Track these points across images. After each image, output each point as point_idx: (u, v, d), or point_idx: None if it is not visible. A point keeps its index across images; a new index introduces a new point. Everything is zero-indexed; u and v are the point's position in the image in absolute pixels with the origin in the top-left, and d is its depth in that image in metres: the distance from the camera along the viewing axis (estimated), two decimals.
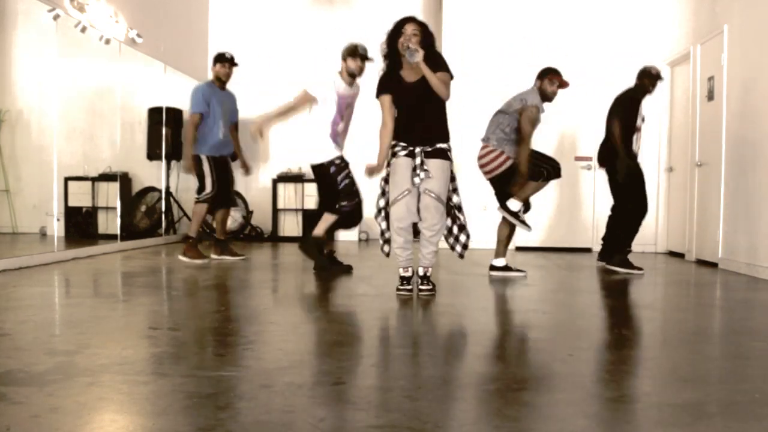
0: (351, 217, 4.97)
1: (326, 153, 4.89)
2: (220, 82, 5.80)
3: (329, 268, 5.00)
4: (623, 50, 7.39)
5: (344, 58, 4.89)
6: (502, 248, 5.15)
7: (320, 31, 8.68)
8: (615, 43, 7.47)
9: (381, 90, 4.00)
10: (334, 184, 4.88)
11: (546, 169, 4.93)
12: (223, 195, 5.80)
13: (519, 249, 7.54)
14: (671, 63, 7.42)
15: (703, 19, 6.66)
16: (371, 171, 4.05)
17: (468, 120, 6.98)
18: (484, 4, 7.73)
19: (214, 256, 5.84)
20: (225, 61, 5.80)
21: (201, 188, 5.64)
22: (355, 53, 4.85)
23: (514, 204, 4.99)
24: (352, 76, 4.92)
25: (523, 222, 5.03)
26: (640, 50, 7.46)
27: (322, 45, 8.60)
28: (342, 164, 4.91)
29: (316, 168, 4.97)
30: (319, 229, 4.93)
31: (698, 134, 6.56)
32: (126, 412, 1.86)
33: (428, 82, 3.81)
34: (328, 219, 4.93)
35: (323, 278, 4.77)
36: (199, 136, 5.61)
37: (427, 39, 3.92)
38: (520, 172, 4.86)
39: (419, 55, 3.76)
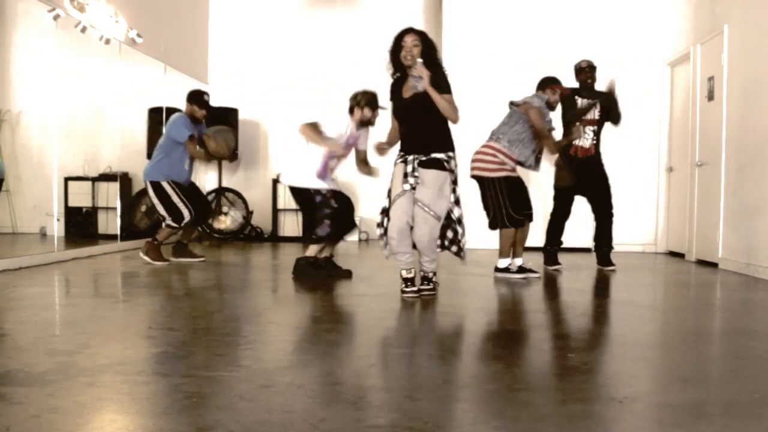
0: (342, 229, 4.82)
1: (310, 180, 4.70)
2: (194, 119, 5.62)
3: (329, 274, 4.83)
4: (623, 50, 7.40)
5: (361, 106, 4.68)
6: (506, 248, 4.98)
7: (320, 32, 8.68)
8: (615, 43, 7.46)
9: (390, 95, 4.07)
10: (316, 210, 4.74)
11: (500, 216, 4.85)
12: (198, 216, 5.70)
13: None
14: (671, 63, 7.42)
15: (703, 19, 6.66)
16: (379, 148, 4.05)
17: (467, 121, 6.96)
18: (485, 5, 7.72)
19: (172, 258, 5.67)
20: (203, 104, 5.60)
21: (178, 217, 5.47)
22: (375, 104, 4.68)
23: (502, 262, 4.95)
24: (364, 124, 4.74)
25: (520, 270, 4.93)
26: (640, 50, 7.47)
27: (322, 45, 8.62)
28: (328, 195, 4.71)
29: (296, 190, 4.79)
30: (309, 253, 4.80)
31: (698, 134, 6.56)
32: (126, 412, 1.86)
33: (420, 97, 3.80)
34: (312, 248, 4.80)
35: (320, 279, 4.73)
36: (165, 163, 5.49)
37: (429, 50, 3.86)
38: (555, 153, 5.29)
39: (425, 82, 3.74)
